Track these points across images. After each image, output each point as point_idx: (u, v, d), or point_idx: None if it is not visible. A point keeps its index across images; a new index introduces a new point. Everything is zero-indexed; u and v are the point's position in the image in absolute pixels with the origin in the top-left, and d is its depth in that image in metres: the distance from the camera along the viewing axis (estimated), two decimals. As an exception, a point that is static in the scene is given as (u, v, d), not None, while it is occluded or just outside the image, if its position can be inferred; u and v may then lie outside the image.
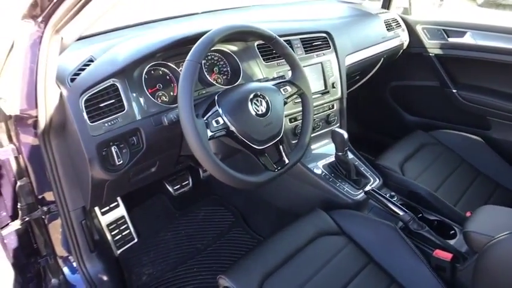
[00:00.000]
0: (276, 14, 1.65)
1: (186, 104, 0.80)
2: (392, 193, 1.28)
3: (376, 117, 1.87)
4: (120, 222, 1.44)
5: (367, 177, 1.32)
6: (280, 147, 0.98)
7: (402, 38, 1.80)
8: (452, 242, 1.11)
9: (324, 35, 1.41)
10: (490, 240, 0.85)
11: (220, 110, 0.88)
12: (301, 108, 1.09)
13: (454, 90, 1.74)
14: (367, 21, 1.69)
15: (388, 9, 1.87)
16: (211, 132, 0.84)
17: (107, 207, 1.41)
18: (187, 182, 1.59)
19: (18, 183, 1.06)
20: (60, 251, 1.19)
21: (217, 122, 0.86)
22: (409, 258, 1.04)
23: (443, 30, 1.74)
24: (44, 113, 0.87)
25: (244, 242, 1.50)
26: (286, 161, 0.97)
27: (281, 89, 1.01)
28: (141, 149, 0.93)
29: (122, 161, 0.90)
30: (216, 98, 0.92)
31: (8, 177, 1.08)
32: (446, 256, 1.01)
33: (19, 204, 1.09)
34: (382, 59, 1.77)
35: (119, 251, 1.42)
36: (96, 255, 1.22)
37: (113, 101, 0.90)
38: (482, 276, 0.88)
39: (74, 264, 1.22)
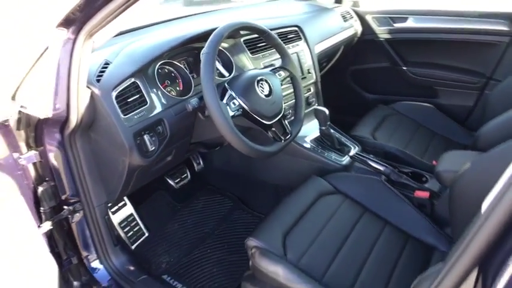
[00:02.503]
0: (250, 14, 1.83)
1: (210, 90, 0.94)
2: (371, 155, 1.50)
3: (340, 99, 2.10)
4: (130, 219, 1.52)
5: (348, 146, 1.54)
6: (283, 122, 1.15)
7: (356, 27, 2.05)
8: (426, 185, 1.35)
9: (296, 28, 1.61)
10: (457, 174, 1.08)
11: (234, 94, 1.03)
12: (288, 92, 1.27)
13: (404, 68, 2.03)
14: (326, 14, 1.92)
15: (340, 3, 2.12)
16: (232, 112, 0.99)
17: (116, 207, 1.49)
18: (185, 175, 1.70)
19: (40, 188, 1.11)
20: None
21: (234, 103, 1.02)
22: (395, 202, 1.25)
23: (389, 17, 2.02)
24: (76, 113, 0.96)
25: (247, 222, 1.65)
26: (290, 133, 1.15)
27: (276, 74, 1.18)
28: (166, 137, 1.06)
29: (153, 147, 1.02)
30: (226, 85, 1.07)
31: (27, 184, 1.13)
32: (425, 195, 1.24)
33: (42, 208, 1.13)
34: (342, 46, 2.01)
35: (133, 246, 1.50)
36: (119, 249, 1.31)
37: (137, 96, 1.02)
38: (455, 205, 1.10)
39: (93, 264, 1.29)
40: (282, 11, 1.86)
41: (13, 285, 0.93)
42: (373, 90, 2.22)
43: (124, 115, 0.97)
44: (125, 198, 1.52)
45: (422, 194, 1.24)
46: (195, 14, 1.61)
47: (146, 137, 1.00)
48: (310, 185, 1.31)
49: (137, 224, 1.55)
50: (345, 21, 1.98)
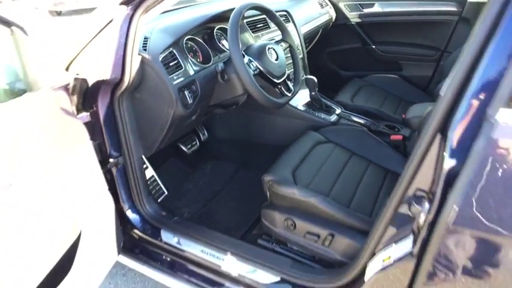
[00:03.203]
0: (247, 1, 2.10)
1: (237, 54, 1.22)
2: (353, 113, 1.83)
3: (319, 78, 2.42)
4: (152, 180, 1.76)
5: (333, 108, 1.86)
6: (287, 81, 1.44)
7: (331, 13, 2.39)
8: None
9: (285, 13, 1.91)
10: (422, 118, 1.41)
11: (251, 58, 1.31)
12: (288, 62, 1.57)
13: (373, 47, 2.39)
14: (307, 2, 2.24)
15: (316, -8, 2.44)
16: (251, 71, 1.27)
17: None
18: (195, 142, 1.95)
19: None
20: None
21: (252, 65, 1.30)
22: (376, 145, 1.58)
23: (359, 4, 2.37)
24: (128, 76, 1.20)
25: (253, 179, 1.90)
26: (293, 90, 1.45)
27: (279, 45, 1.47)
28: (198, 94, 1.32)
29: (191, 101, 1.28)
30: (243, 52, 1.34)
31: None
32: (399, 137, 1.57)
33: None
34: (320, 30, 2.33)
35: (158, 200, 1.74)
36: (152, 198, 1.55)
37: (175, 62, 1.28)
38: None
39: (129, 212, 1.51)
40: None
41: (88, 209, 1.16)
42: (348, 67, 2.57)
43: (169, 75, 1.22)
44: (146, 162, 1.75)
45: (397, 137, 1.58)
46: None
47: (186, 92, 1.26)
48: (307, 137, 1.61)
49: (158, 183, 1.79)
50: (321, 8, 2.31)
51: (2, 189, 0.81)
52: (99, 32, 1.15)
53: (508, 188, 0.65)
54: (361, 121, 1.71)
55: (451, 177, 0.71)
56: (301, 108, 1.80)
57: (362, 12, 2.36)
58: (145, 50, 1.23)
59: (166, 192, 1.80)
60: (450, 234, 0.72)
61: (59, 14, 10.13)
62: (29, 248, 0.92)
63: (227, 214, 1.71)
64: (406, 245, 0.87)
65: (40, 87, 0.94)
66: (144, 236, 1.45)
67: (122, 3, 1.10)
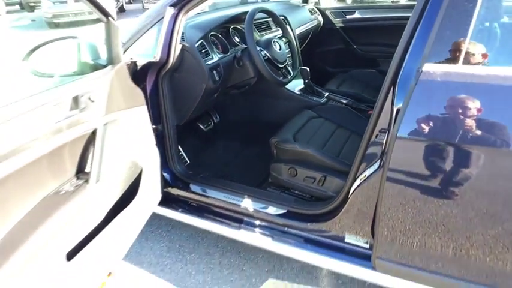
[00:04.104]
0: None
1: (252, 44, 1.65)
2: (339, 95, 2.27)
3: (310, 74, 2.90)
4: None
5: (323, 92, 2.30)
6: (288, 67, 1.88)
7: (319, 19, 2.86)
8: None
9: (282, 17, 2.36)
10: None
11: (261, 48, 1.74)
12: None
13: (355, 47, 2.86)
14: (299, 9, 2.70)
15: (307, 3, 2.92)
16: (262, 57, 1.71)
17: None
18: (210, 122, 2.35)
19: None
20: None
21: (262, 53, 1.73)
22: (357, 119, 2.01)
23: (342, 11, 2.85)
24: (172, 59, 1.60)
25: (259, 152, 2.31)
26: (291, 73, 1.88)
27: (281, 39, 1.91)
28: (221, 75, 1.74)
29: (218, 78, 1.70)
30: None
31: None
32: (374, 112, 2.01)
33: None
34: (311, 33, 2.79)
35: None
36: (185, 156, 1.94)
37: (205, 50, 1.70)
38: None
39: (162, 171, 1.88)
40: (270, 6, 2.61)
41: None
42: (333, 65, 3.03)
43: (203, 58, 1.64)
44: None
45: (372, 111, 2.01)
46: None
47: (214, 72, 1.68)
48: (303, 113, 2.04)
49: (182, 154, 2.18)
50: (311, 14, 2.78)
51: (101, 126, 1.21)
52: (153, 25, 1.56)
53: (431, 109, 1.06)
54: (345, 101, 2.15)
55: (398, 112, 1.13)
56: (297, 92, 2.23)
57: (345, 18, 2.83)
58: (183, 40, 1.65)
59: (188, 161, 2.20)
60: (398, 145, 1.13)
61: (57, 25, 10.52)
62: (117, 176, 1.31)
63: (240, 177, 2.11)
64: (375, 166, 1.29)
65: (120, 61, 1.35)
66: (177, 190, 1.82)
67: (170, 6, 1.52)
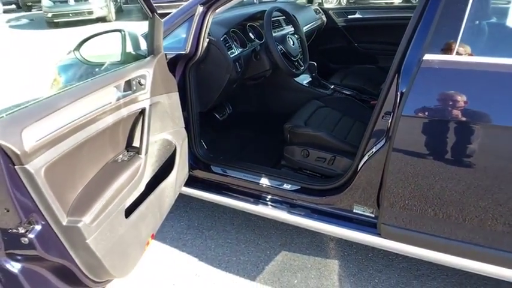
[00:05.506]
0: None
1: (271, 38, 1.85)
2: (343, 87, 2.49)
3: (314, 69, 3.13)
4: (195, 137, 2.34)
5: (328, 85, 2.52)
6: (300, 61, 2.09)
7: (323, 19, 3.07)
8: (376, 101, 2.35)
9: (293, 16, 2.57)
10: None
11: (277, 43, 1.95)
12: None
13: (356, 44, 3.08)
14: (305, 9, 2.92)
15: (311, 3, 3.14)
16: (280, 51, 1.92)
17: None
18: (225, 112, 2.55)
19: None
20: None
21: (279, 48, 1.94)
22: (360, 108, 2.23)
23: (344, 12, 3.07)
24: (200, 52, 1.80)
25: (270, 140, 2.51)
26: (303, 66, 2.10)
27: (293, 35, 2.13)
28: (242, 66, 1.94)
29: (239, 69, 1.90)
30: None
31: None
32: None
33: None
34: (316, 31, 3.01)
35: (202, 150, 2.32)
36: (203, 142, 2.14)
37: (228, 44, 1.90)
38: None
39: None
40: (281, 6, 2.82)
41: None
42: (336, 61, 3.25)
43: (227, 51, 1.85)
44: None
45: (375, 102, 2.23)
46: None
47: (236, 64, 1.88)
48: (312, 103, 2.25)
49: (200, 140, 2.38)
50: (316, 14, 2.99)
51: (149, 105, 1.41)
52: (185, 21, 1.76)
53: (431, 92, 1.28)
54: (349, 93, 2.37)
55: (402, 95, 1.35)
56: (306, 85, 2.45)
57: (347, 18, 3.06)
58: (209, 35, 1.85)
59: (206, 147, 2.40)
60: (402, 123, 1.34)
61: (56, 25, 10.61)
62: (157, 151, 1.52)
63: (254, 160, 2.31)
64: (382, 142, 1.50)
65: (160, 52, 1.55)
66: (199, 172, 2.01)
67: (201, 4, 1.72)
